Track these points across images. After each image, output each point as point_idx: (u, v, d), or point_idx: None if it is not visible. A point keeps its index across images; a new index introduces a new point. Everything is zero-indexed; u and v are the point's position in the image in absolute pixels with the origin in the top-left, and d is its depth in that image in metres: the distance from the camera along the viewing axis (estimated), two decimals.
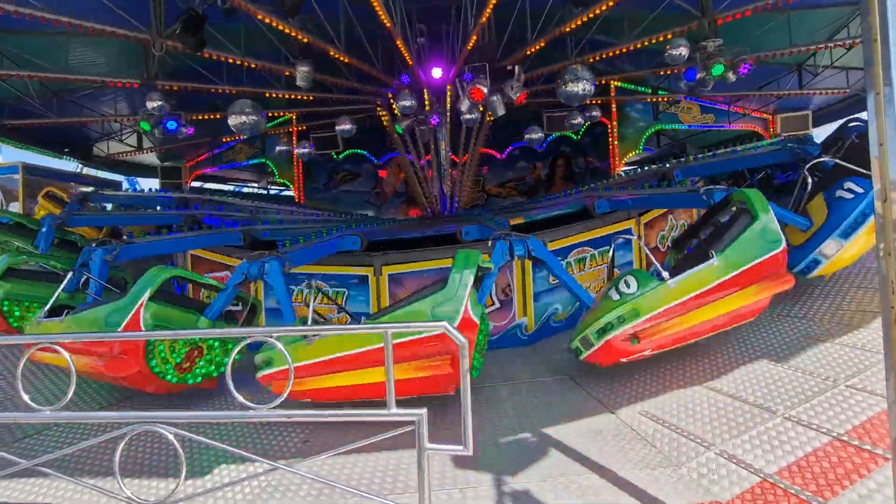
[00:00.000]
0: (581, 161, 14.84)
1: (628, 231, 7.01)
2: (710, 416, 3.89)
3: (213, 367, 4.90)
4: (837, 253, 4.99)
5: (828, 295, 5.41)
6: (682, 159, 8.47)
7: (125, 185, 18.20)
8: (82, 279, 5.64)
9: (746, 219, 4.63)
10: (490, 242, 5.18)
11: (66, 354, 2.56)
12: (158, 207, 9.30)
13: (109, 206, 9.36)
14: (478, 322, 4.25)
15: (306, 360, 4.04)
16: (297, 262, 5.48)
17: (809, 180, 5.28)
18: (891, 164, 1.93)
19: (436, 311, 4.10)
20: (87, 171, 15.20)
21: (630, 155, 13.30)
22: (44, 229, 6.96)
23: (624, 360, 4.65)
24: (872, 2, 1.94)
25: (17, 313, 5.76)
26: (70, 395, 2.55)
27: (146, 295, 4.56)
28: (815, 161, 5.46)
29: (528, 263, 6.63)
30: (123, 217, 8.37)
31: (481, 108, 8.85)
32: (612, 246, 5.91)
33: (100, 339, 4.36)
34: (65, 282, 5.10)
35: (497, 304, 6.63)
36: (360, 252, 6.49)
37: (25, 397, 2.61)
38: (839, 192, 4.97)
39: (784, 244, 4.50)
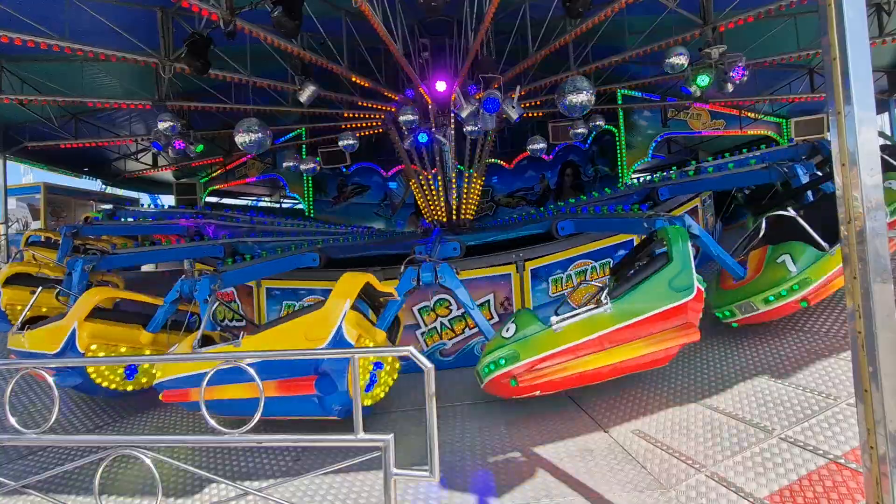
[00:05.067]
0: (590, 169, 14.73)
1: (631, 243, 6.91)
2: (704, 435, 3.79)
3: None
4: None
5: (833, 308, 5.23)
6: (668, 176, 8.05)
7: (146, 202, 18.81)
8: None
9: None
10: (402, 268, 5.06)
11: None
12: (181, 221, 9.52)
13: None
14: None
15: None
16: (234, 280, 5.62)
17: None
18: (853, 185, 1.88)
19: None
20: (109, 189, 15.77)
21: (640, 161, 13.15)
22: (76, 274, 6.75)
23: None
24: (831, 20, 1.90)
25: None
26: (53, 419, 2.63)
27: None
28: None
29: (527, 276, 6.60)
30: (156, 253, 8.53)
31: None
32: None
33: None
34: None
35: (496, 318, 6.60)
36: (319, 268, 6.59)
37: (12, 420, 2.69)
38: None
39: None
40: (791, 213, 4.98)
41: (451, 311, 6.61)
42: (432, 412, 2.34)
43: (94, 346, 4.90)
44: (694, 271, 4.34)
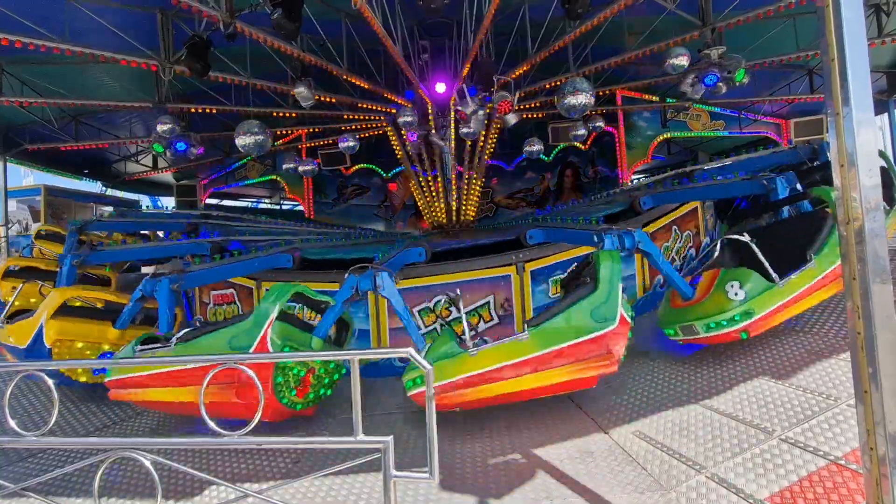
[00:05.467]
0: (590, 171, 14.74)
1: None
2: (705, 436, 3.79)
3: (321, 390, 4.76)
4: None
5: (834, 309, 5.23)
6: (651, 185, 8.12)
7: (147, 204, 18.82)
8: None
9: (588, 288, 4.43)
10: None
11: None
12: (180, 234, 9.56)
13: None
14: (630, 321, 4.35)
15: (469, 371, 4.17)
16: (199, 281, 5.89)
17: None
18: (852, 186, 1.88)
19: (595, 314, 4.22)
20: (109, 191, 15.80)
21: (640, 164, 13.15)
22: (64, 269, 6.90)
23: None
24: (829, 22, 1.90)
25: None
26: (52, 421, 2.63)
27: (274, 314, 4.41)
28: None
29: (527, 278, 6.60)
30: (145, 249, 8.54)
31: (490, 122, 8.90)
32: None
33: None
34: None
35: (496, 320, 6.60)
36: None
37: (12, 423, 2.69)
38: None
39: (616, 323, 4.23)
40: (745, 238, 4.88)
41: (451, 311, 6.61)
42: (432, 413, 2.34)
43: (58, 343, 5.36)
44: (619, 299, 4.28)
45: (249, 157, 13.69)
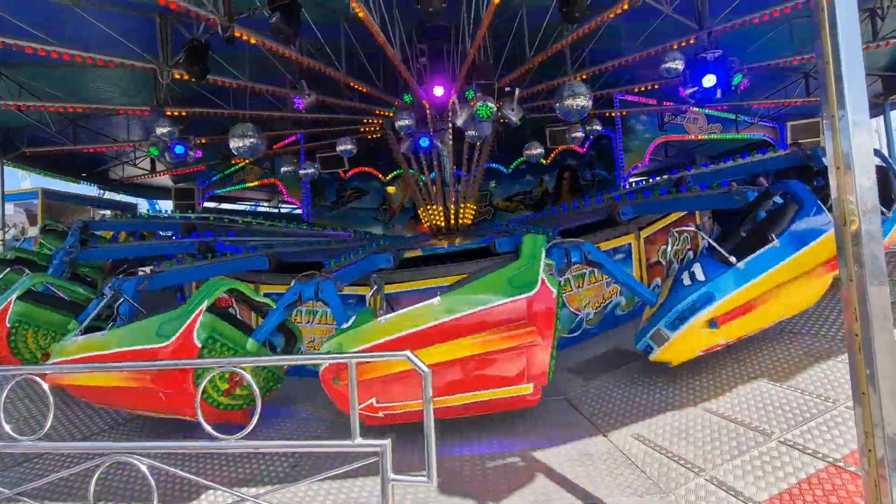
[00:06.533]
0: (588, 173, 14.77)
1: (628, 247, 6.93)
2: (703, 439, 3.78)
3: (250, 396, 4.63)
4: (666, 344, 4.52)
5: (833, 309, 5.24)
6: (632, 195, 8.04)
7: (144, 208, 18.79)
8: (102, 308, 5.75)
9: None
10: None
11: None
12: (171, 234, 9.60)
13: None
14: (555, 293, 4.02)
15: (379, 338, 3.85)
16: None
17: (669, 249, 5.02)
18: (848, 188, 1.88)
19: (514, 280, 3.95)
20: (107, 195, 15.78)
21: (637, 165, 13.18)
22: (55, 262, 7.07)
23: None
24: (824, 25, 1.91)
25: (23, 339, 5.66)
26: (48, 425, 2.62)
27: (204, 306, 4.45)
28: (679, 230, 5.00)
29: None
30: (135, 248, 8.59)
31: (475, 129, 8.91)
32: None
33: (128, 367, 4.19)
34: (99, 306, 5.24)
35: None
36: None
37: (7, 427, 2.67)
38: (683, 275, 4.51)
39: (536, 288, 3.97)
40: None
41: None
42: (430, 416, 2.33)
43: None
44: (541, 268, 4.00)
45: (248, 160, 13.67)
